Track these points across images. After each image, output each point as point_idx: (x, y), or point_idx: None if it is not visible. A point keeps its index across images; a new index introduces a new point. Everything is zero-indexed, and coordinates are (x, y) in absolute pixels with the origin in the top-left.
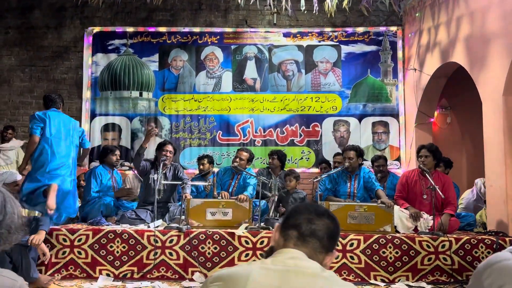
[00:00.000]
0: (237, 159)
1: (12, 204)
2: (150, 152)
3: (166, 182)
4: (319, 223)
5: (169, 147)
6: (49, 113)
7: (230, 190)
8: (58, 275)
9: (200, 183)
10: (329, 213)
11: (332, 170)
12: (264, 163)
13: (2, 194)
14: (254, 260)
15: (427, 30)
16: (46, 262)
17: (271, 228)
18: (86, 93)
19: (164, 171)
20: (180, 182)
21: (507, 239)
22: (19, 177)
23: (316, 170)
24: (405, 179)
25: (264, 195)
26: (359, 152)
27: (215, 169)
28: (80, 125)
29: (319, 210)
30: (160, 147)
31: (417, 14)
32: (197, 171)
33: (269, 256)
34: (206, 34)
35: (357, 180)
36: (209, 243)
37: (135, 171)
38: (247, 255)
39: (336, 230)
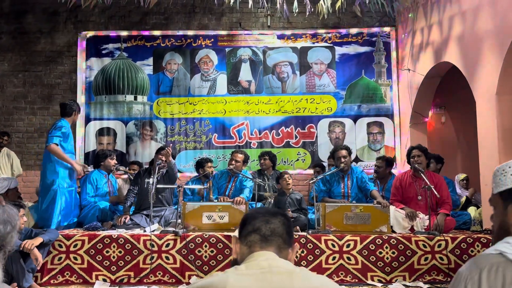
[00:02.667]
0: (233, 162)
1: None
2: (145, 156)
3: (161, 186)
4: (276, 221)
5: (163, 151)
6: None
7: (226, 193)
8: None
9: (197, 187)
10: (280, 212)
11: (327, 171)
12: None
13: None
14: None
15: (420, 31)
16: (38, 268)
17: None
18: (81, 98)
19: (158, 176)
20: (174, 186)
21: None
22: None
23: (311, 171)
24: (398, 182)
25: (260, 197)
26: (350, 151)
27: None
28: (75, 130)
29: (271, 211)
30: (158, 151)
31: (410, 15)
32: (192, 174)
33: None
34: (200, 37)
35: (350, 179)
36: (205, 246)
37: (129, 176)
38: None
39: (290, 225)
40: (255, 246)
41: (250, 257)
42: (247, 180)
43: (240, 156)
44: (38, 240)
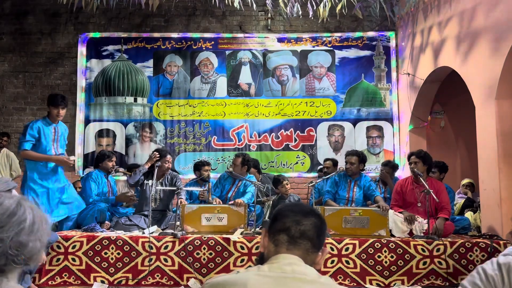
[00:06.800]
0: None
1: (29, 220)
2: (145, 158)
3: (160, 187)
4: (307, 223)
5: (169, 158)
6: None
7: (229, 195)
8: None
9: (196, 189)
10: (314, 211)
11: (327, 175)
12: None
13: (20, 205)
14: (249, 266)
15: (420, 35)
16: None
17: None
18: (80, 99)
19: (161, 180)
20: (174, 188)
21: (501, 242)
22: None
23: (311, 174)
24: (399, 187)
25: (259, 202)
26: (362, 158)
27: (215, 174)
28: (74, 131)
29: (304, 209)
30: (160, 157)
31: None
32: (191, 177)
33: (260, 263)
34: (201, 40)
35: (357, 186)
36: (204, 249)
37: (128, 178)
38: (242, 260)
39: (323, 227)
40: (282, 246)
41: (275, 258)
42: (251, 185)
43: (239, 160)
44: None
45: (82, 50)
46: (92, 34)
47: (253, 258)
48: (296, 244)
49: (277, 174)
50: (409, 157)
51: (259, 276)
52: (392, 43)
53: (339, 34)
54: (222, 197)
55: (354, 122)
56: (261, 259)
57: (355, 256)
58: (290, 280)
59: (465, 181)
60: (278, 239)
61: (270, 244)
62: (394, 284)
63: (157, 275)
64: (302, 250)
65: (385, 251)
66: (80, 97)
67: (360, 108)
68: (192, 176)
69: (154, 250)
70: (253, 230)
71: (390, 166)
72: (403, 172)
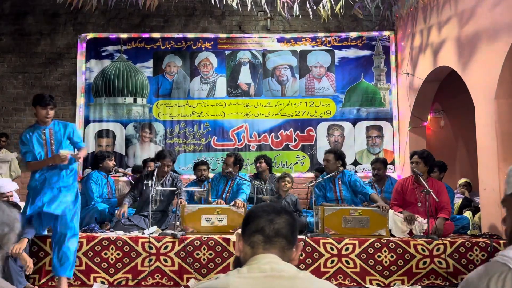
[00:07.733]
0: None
1: None
2: (144, 158)
3: (160, 188)
4: (280, 221)
5: (167, 161)
6: None
7: (224, 196)
8: None
9: (196, 189)
10: (285, 209)
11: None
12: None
13: None
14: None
15: (419, 34)
16: (27, 273)
17: None
18: (80, 100)
19: (161, 181)
20: (174, 189)
21: (501, 241)
22: (8, 189)
23: (310, 174)
24: (400, 187)
25: (259, 201)
26: (338, 155)
27: (210, 175)
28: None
29: (276, 208)
30: (158, 159)
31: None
32: (191, 177)
33: (237, 267)
34: (200, 40)
35: (342, 184)
36: (204, 249)
37: (129, 177)
38: None
39: (295, 223)
40: (258, 247)
41: (253, 260)
42: (245, 183)
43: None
44: (24, 242)
45: (81, 50)
46: (91, 35)
47: None
48: (272, 243)
49: (283, 172)
50: (411, 156)
51: (240, 278)
52: (392, 43)
53: (338, 34)
54: (218, 198)
55: (354, 122)
56: (238, 263)
57: (355, 256)
58: (270, 279)
59: (462, 180)
60: (254, 240)
61: (245, 246)
62: (394, 284)
63: (157, 276)
64: (278, 248)
65: (385, 251)
66: (80, 97)
67: (360, 108)
68: (192, 176)
69: (154, 251)
70: None
71: (380, 162)
72: (403, 171)
